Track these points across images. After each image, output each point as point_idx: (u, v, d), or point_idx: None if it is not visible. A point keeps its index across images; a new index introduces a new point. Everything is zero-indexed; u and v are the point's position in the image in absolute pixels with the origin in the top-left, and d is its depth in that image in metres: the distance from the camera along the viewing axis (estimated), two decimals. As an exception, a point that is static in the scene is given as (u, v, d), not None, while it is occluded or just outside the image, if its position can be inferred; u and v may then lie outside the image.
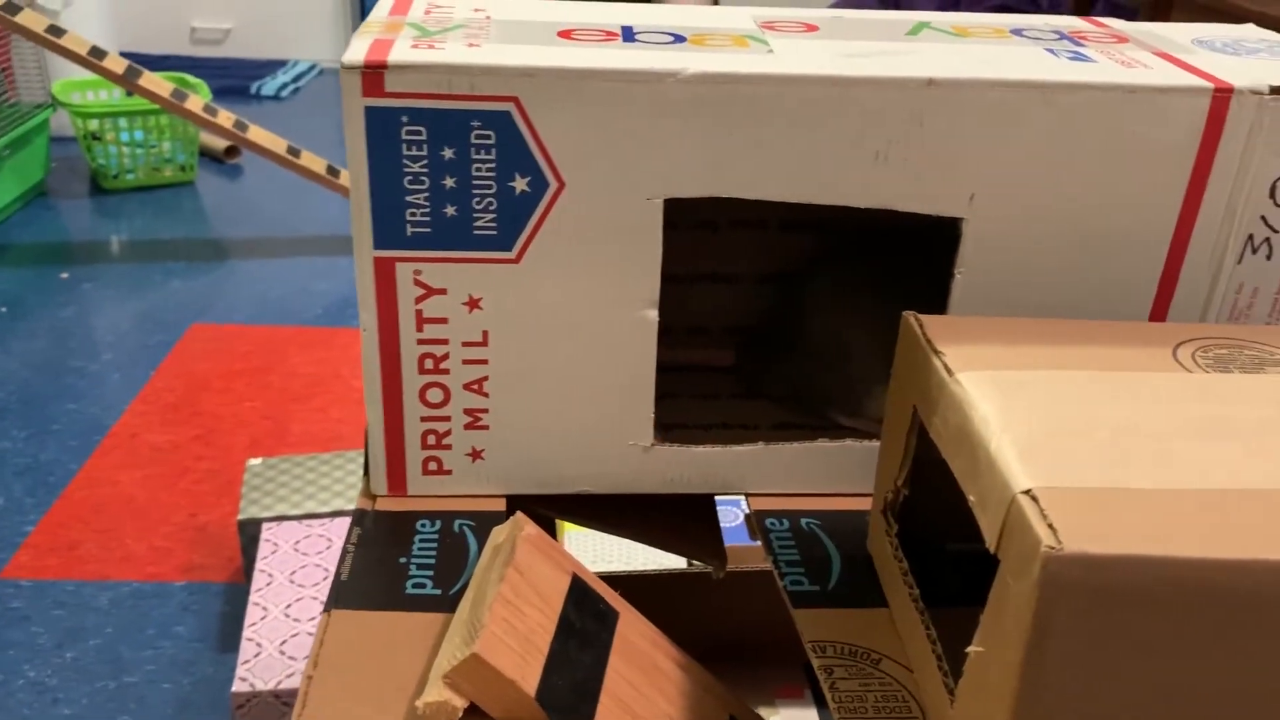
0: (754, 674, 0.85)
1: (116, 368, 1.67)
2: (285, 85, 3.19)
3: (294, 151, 2.12)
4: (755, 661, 0.83)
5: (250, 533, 1.17)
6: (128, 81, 2.01)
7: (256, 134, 2.11)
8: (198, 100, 2.07)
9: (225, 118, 2.09)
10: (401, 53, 0.47)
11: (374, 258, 0.50)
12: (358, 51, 0.47)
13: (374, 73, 0.46)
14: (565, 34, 0.52)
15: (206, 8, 3.34)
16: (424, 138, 0.47)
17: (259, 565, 1.09)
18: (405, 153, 0.48)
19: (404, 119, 0.47)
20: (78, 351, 1.71)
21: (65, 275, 1.97)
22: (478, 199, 0.49)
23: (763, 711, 0.83)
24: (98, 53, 1.98)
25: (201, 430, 1.52)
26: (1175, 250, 0.52)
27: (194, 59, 3.30)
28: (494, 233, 0.50)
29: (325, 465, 1.26)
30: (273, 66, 3.34)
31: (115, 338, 1.76)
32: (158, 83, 2.04)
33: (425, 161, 0.48)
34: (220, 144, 2.55)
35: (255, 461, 1.27)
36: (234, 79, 3.18)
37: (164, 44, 3.30)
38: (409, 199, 0.49)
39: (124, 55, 2.11)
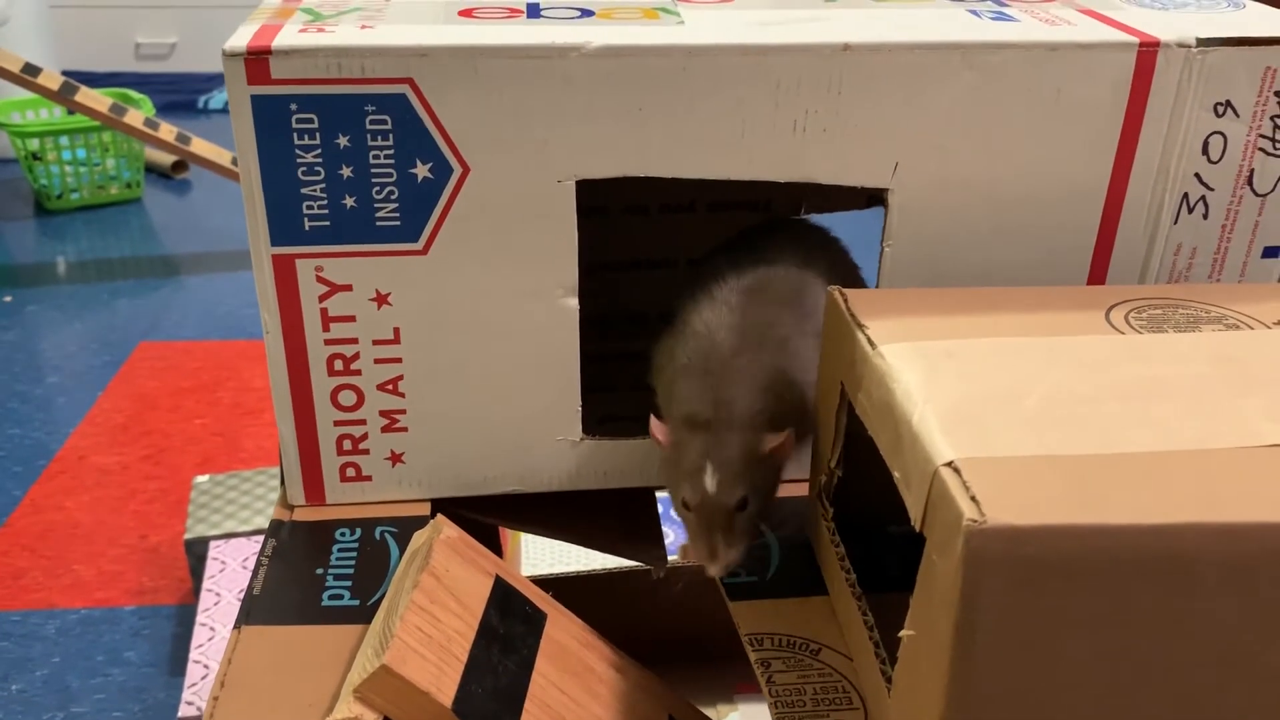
0: (714, 670, 0.83)
1: (62, 391, 1.63)
2: (234, 98, 3.14)
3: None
4: (715, 657, 0.81)
5: (198, 552, 1.13)
6: (64, 98, 1.96)
7: (200, 146, 2.07)
8: (138, 115, 2.03)
9: (167, 131, 2.04)
10: (288, 37, 0.45)
11: (272, 255, 0.47)
12: (241, 38, 0.44)
13: (258, 59, 0.44)
14: (466, 13, 0.49)
15: (150, 22, 3.28)
16: (316, 125, 0.45)
17: (206, 584, 1.05)
18: (297, 142, 0.45)
19: (293, 106, 0.44)
20: (22, 376, 1.67)
21: (9, 299, 1.93)
22: (378, 188, 0.46)
23: (722, 708, 0.81)
24: (31, 69, 1.93)
25: (151, 450, 1.48)
26: (1109, 212, 0.50)
27: (140, 75, 3.24)
28: (397, 223, 0.47)
29: (274, 480, 1.23)
30: (220, 80, 3.29)
31: (61, 360, 1.72)
32: (95, 98, 2.00)
33: (319, 151, 0.45)
34: (167, 160, 2.50)
35: (202, 479, 1.23)
36: (181, 94, 3.12)
37: (108, 61, 3.24)
38: (305, 191, 0.46)
39: (67, 74, 2.06)
